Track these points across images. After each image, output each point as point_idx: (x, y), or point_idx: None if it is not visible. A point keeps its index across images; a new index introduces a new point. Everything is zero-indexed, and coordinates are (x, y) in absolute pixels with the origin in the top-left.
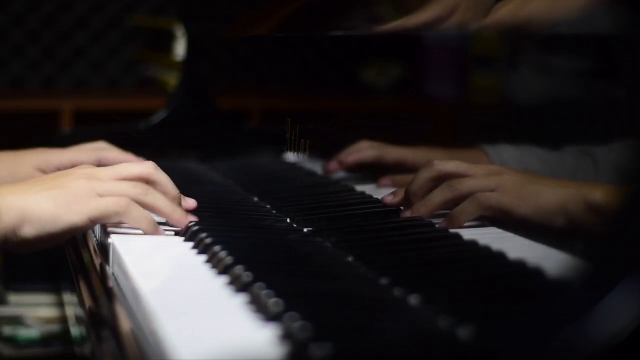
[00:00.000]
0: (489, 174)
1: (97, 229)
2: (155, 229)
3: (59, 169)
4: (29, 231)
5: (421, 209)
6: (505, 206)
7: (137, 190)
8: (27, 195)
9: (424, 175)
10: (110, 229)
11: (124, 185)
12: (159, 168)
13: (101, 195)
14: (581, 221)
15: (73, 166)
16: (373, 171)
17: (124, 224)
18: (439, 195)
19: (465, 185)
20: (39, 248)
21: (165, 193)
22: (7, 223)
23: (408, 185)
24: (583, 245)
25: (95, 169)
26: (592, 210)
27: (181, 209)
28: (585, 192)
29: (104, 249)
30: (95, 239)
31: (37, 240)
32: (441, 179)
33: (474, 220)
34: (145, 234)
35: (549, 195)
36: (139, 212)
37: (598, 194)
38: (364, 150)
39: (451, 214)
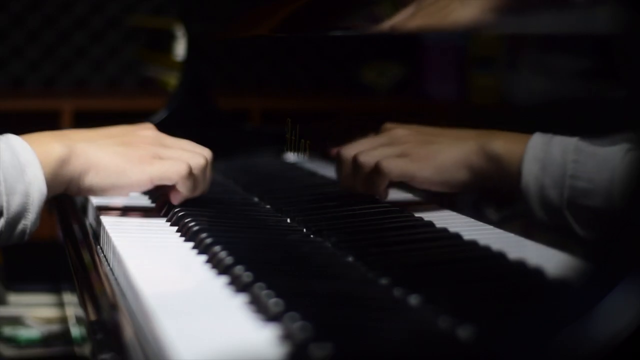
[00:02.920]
0: (392, 141)
1: (98, 228)
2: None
3: None
4: (93, 178)
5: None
6: (408, 170)
7: (195, 160)
8: (97, 146)
9: (343, 169)
10: (109, 228)
11: (185, 154)
12: (211, 162)
13: (162, 158)
14: (484, 172)
15: None
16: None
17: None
18: (356, 177)
19: (370, 156)
20: (97, 195)
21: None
22: (75, 167)
23: (342, 183)
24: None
25: (161, 134)
26: (493, 159)
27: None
28: (484, 141)
29: (101, 245)
30: (94, 239)
31: (100, 188)
32: (355, 162)
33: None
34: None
35: (448, 152)
36: (192, 182)
37: (497, 143)
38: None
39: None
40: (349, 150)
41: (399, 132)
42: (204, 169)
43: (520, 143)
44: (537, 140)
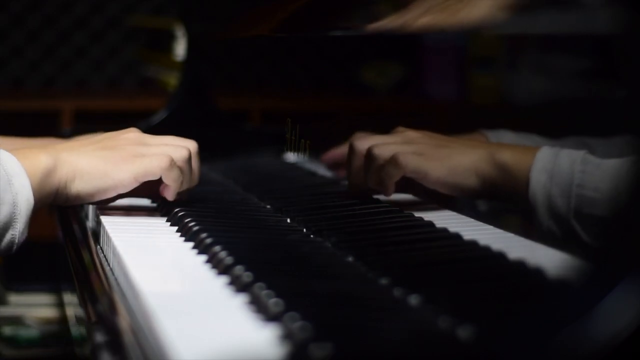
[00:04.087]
0: (406, 140)
1: (98, 228)
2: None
3: None
4: (78, 185)
5: (380, 191)
6: (422, 167)
7: (177, 152)
8: (79, 153)
9: (352, 161)
10: (109, 228)
11: (166, 148)
12: (197, 153)
13: (144, 156)
14: (493, 180)
15: None
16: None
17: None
18: (368, 169)
19: (386, 149)
20: (86, 202)
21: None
22: (61, 175)
23: (347, 177)
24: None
25: (144, 135)
26: (501, 169)
27: (179, 193)
28: (493, 151)
29: (101, 245)
30: (94, 238)
31: (86, 194)
32: (366, 155)
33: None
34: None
35: (461, 156)
36: (177, 173)
37: (506, 154)
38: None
39: (378, 178)
40: (362, 143)
41: (412, 134)
42: (187, 160)
43: (528, 154)
44: (546, 153)
